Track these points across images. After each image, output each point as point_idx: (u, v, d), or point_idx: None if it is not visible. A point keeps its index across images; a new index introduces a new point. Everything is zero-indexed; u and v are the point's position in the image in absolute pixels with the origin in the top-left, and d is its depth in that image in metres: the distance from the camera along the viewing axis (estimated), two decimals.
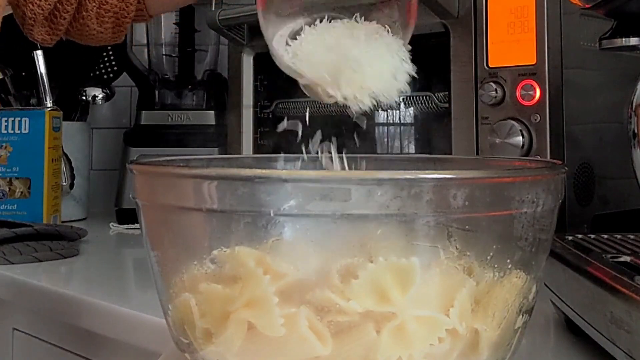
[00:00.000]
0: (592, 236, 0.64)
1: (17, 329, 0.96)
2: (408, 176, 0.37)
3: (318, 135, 0.50)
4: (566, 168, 0.44)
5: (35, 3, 0.73)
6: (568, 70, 0.87)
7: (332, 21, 0.55)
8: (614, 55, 0.84)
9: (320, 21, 0.55)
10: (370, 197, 0.37)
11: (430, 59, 0.99)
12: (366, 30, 0.54)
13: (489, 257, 0.41)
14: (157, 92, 1.47)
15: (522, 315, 0.43)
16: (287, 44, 0.54)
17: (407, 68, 0.53)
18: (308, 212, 0.38)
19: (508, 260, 0.41)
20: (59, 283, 0.90)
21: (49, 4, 0.72)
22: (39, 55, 1.31)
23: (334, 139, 0.50)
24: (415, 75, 0.53)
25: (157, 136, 1.41)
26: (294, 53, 0.53)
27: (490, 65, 0.89)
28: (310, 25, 0.55)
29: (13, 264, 0.96)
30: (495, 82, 0.88)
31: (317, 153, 0.51)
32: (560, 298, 0.58)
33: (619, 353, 0.45)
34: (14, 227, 1.07)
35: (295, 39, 0.54)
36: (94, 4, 0.72)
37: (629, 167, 0.61)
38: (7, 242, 1.01)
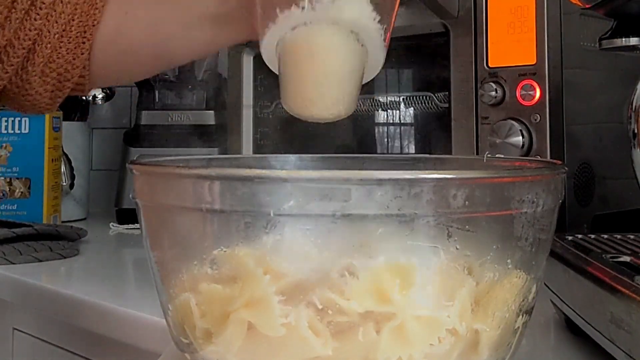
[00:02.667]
0: (592, 236, 0.64)
1: (17, 329, 0.96)
2: (408, 176, 0.37)
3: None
4: (566, 168, 0.44)
5: None
6: (568, 70, 0.87)
7: None
8: (614, 55, 0.84)
9: None
10: (370, 197, 0.37)
11: (430, 59, 0.99)
12: None
13: (488, 257, 0.41)
14: (157, 92, 1.47)
15: (522, 315, 0.43)
16: None
17: None
18: (308, 212, 0.38)
19: (508, 260, 0.41)
20: (59, 283, 0.90)
21: None
22: None
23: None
24: None
25: (157, 136, 1.41)
26: None
27: (490, 65, 0.89)
28: None
29: (13, 264, 0.96)
30: (495, 82, 0.88)
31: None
32: (560, 298, 0.58)
33: (619, 353, 0.45)
34: (14, 227, 1.07)
35: None
36: (41, 59, 0.64)
37: (629, 167, 0.61)
38: (7, 242, 1.01)
